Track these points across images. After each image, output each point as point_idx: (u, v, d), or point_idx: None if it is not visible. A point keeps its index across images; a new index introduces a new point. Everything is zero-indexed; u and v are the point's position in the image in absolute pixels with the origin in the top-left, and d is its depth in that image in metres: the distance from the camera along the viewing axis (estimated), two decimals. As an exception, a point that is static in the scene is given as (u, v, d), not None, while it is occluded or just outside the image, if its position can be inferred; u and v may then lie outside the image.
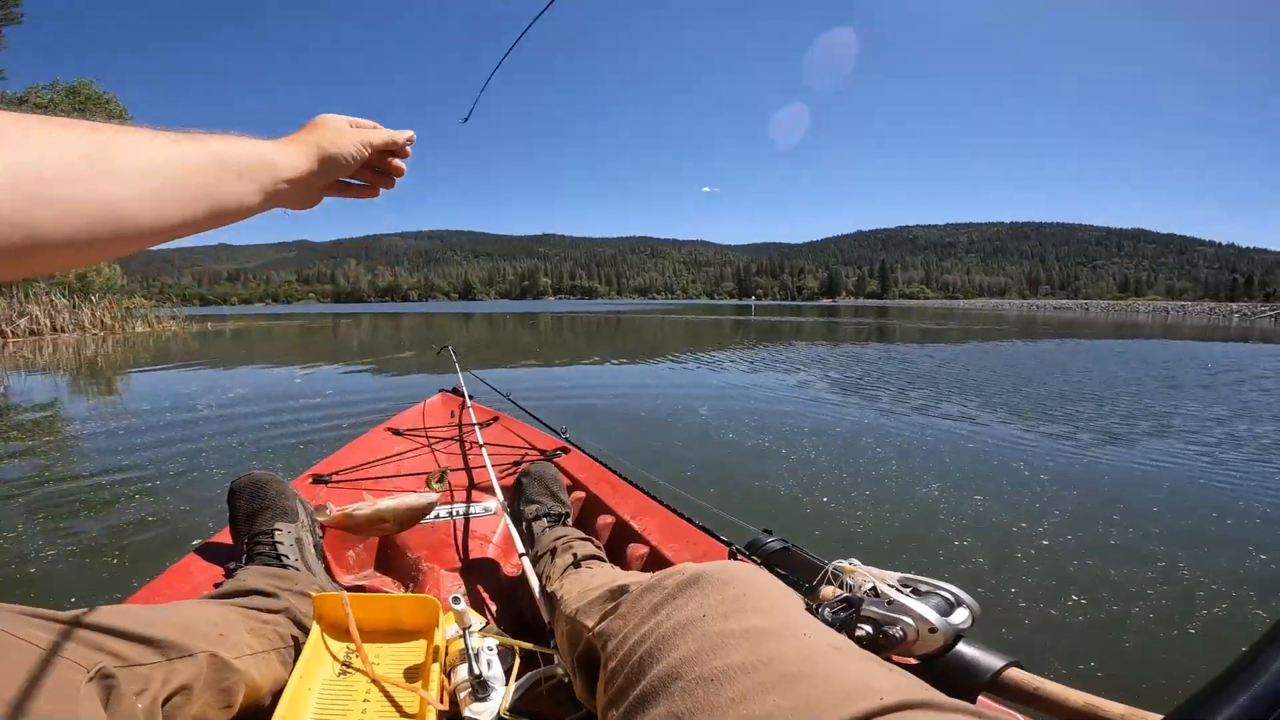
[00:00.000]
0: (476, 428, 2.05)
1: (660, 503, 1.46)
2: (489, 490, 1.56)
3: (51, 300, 18.54)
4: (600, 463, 1.75)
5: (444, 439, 2.05)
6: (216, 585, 0.94)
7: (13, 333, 16.12)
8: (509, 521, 1.29)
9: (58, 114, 0.35)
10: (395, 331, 19.84)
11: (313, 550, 1.11)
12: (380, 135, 0.61)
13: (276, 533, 1.08)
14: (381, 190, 0.67)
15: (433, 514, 1.45)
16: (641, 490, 1.53)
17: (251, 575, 0.94)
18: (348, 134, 0.58)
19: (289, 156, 0.51)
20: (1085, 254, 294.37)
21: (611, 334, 17.27)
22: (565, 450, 1.86)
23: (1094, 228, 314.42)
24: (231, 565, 1.06)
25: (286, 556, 1.04)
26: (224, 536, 1.20)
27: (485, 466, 1.58)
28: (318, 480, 1.61)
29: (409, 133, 0.65)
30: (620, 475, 1.63)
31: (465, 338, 16.43)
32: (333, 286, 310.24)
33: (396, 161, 0.65)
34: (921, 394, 6.16)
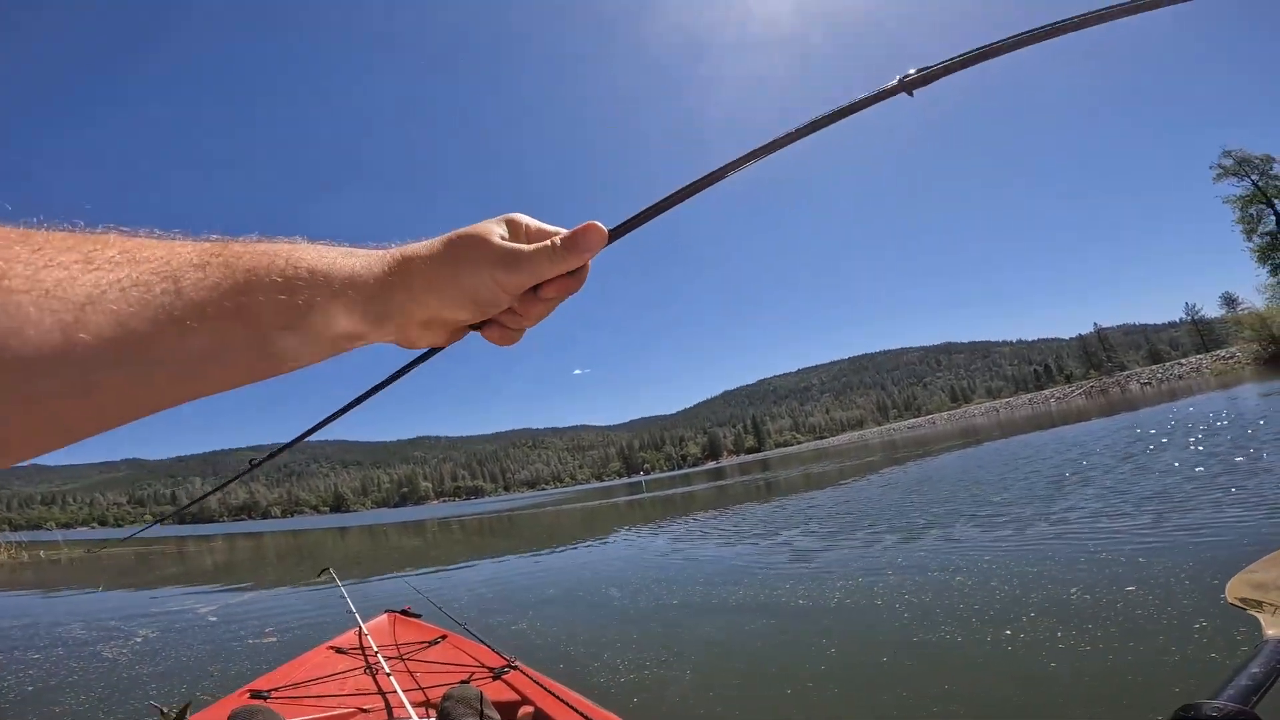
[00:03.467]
0: (413, 649, 2.08)
1: (604, 710, 1.47)
2: (429, 709, 1.59)
3: None
4: (543, 679, 1.76)
5: (388, 657, 2.02)
6: None
7: None
8: None
9: None
10: (264, 550, 17.54)
11: None
12: (555, 264, 0.41)
13: None
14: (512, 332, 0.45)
15: None
16: (586, 700, 1.55)
17: None
18: (494, 266, 0.40)
19: (369, 299, 0.37)
20: (914, 374, 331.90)
21: (516, 531, 16.52)
22: (512, 666, 1.88)
23: (914, 349, 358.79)
24: None
25: None
26: None
27: (422, 688, 1.62)
28: (256, 695, 1.58)
29: (592, 237, 0.41)
30: (566, 687, 1.67)
31: (357, 551, 14.98)
32: (174, 507, 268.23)
33: (551, 292, 0.43)
34: (824, 550, 6.01)
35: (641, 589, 5.35)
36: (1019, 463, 10.67)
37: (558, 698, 1.62)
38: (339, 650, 2.12)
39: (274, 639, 4.71)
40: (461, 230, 0.40)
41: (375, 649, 2.05)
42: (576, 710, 1.52)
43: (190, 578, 11.72)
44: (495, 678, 1.80)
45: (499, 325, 0.44)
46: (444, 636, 2.26)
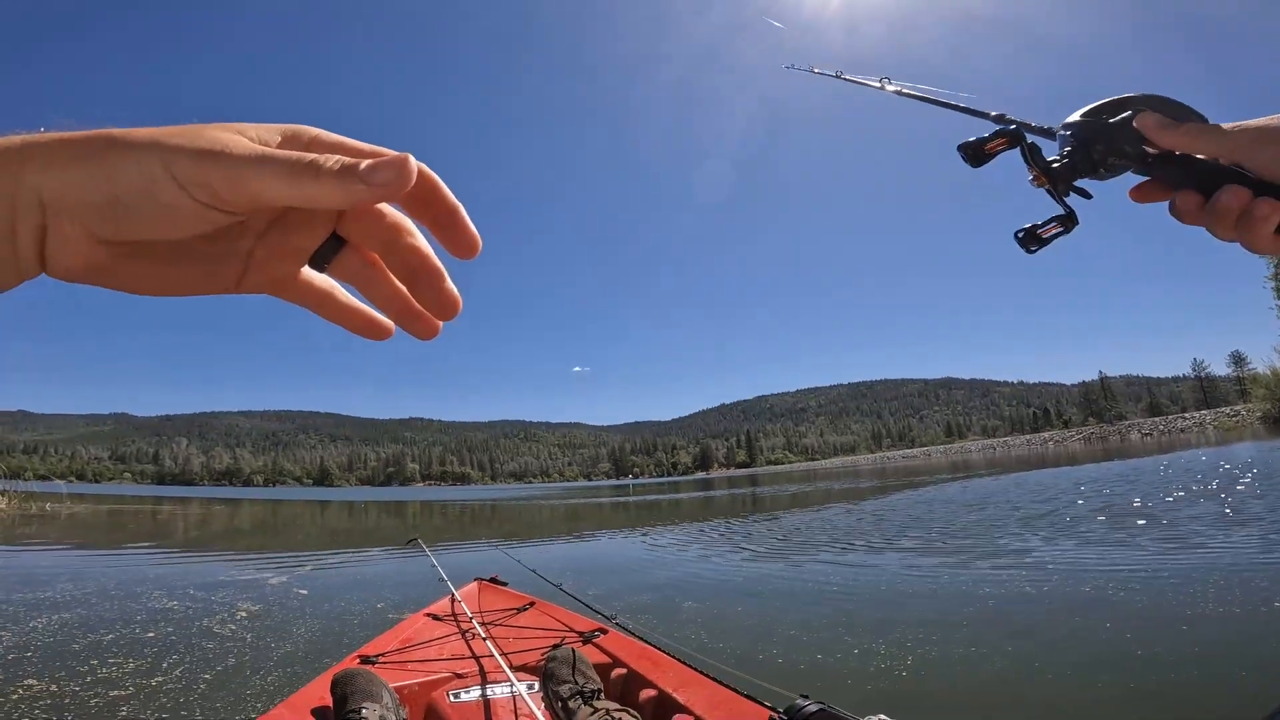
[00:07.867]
0: (503, 615, 2.19)
1: (703, 673, 1.49)
2: (524, 673, 1.65)
3: None
4: (640, 638, 1.82)
5: (482, 624, 2.09)
6: None
7: None
8: (542, 702, 1.38)
9: None
10: (242, 517, 17.16)
11: None
12: (293, 184, 0.23)
13: (364, 709, 1.29)
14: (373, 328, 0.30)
15: (475, 694, 1.55)
16: (683, 662, 1.57)
17: None
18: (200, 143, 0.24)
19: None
20: (911, 406, 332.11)
21: (525, 520, 16.53)
22: (604, 630, 1.94)
23: (914, 381, 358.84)
24: None
25: None
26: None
27: (516, 652, 1.72)
28: (365, 660, 1.68)
29: (390, 165, 0.24)
30: (661, 649, 1.70)
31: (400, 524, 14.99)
32: (155, 467, 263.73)
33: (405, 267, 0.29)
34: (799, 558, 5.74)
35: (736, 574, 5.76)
36: (1059, 492, 10.50)
37: (650, 659, 1.64)
38: (435, 617, 2.21)
39: (381, 605, 4.87)
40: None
41: (469, 615, 2.12)
42: (668, 670, 1.54)
43: (224, 541, 11.75)
44: (585, 641, 1.85)
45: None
46: (532, 603, 2.36)
